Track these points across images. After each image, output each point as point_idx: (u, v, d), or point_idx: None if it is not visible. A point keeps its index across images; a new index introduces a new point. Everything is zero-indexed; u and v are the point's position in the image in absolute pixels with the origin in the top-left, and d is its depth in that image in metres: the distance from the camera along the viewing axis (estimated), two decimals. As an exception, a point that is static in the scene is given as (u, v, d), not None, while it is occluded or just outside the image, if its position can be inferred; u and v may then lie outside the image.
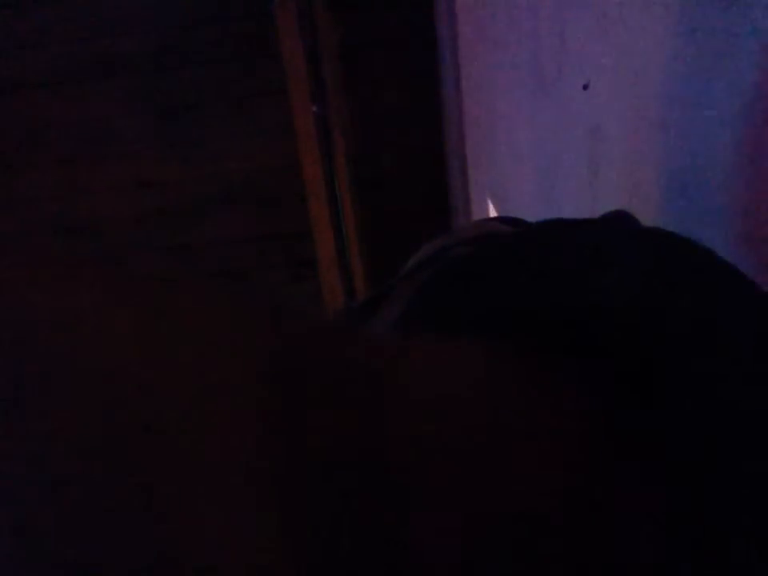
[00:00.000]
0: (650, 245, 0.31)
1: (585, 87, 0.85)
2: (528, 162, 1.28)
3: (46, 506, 0.12)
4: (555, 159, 1.07)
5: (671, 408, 0.22)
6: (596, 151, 0.87)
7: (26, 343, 0.12)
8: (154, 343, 0.14)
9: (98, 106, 2.35)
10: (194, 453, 0.13)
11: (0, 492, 0.12)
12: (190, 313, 0.15)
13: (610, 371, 0.23)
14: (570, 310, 0.26)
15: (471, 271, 0.35)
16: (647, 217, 0.72)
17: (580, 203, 0.97)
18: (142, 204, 2.47)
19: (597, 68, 0.82)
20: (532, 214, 1.25)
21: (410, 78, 2.35)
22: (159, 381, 0.13)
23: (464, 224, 2.00)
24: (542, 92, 1.08)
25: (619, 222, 0.49)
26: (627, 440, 0.21)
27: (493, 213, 1.72)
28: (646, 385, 0.22)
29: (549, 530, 0.19)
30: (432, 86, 2.35)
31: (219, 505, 0.13)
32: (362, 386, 0.17)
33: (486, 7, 1.46)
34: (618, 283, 0.26)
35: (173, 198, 2.47)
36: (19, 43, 2.27)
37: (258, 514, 0.13)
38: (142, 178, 2.44)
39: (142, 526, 0.12)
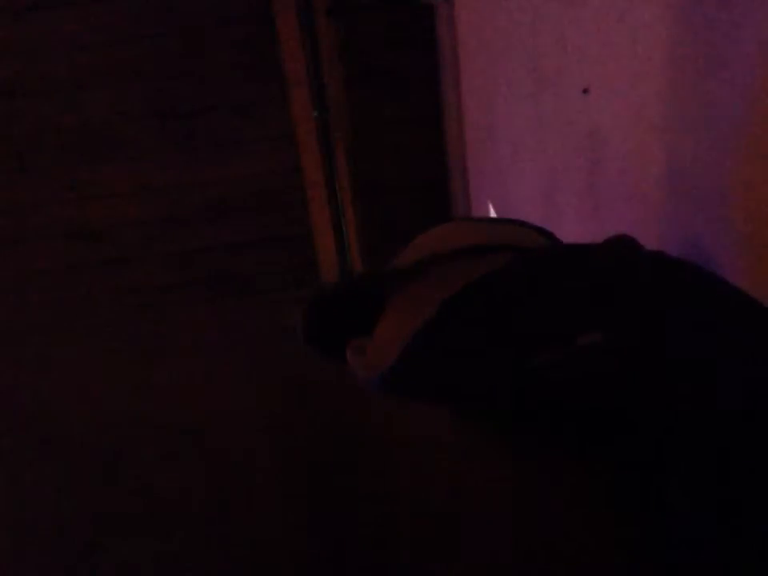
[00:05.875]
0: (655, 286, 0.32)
1: (585, 92, 0.85)
2: (528, 163, 1.28)
3: None
4: (555, 161, 1.07)
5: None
6: (596, 152, 0.87)
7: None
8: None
9: (101, 111, 2.35)
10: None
11: None
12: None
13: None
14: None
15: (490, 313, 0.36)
16: (647, 218, 0.72)
17: (580, 204, 0.97)
18: (144, 209, 2.47)
19: (597, 70, 0.82)
20: (532, 215, 1.25)
21: (410, 79, 2.35)
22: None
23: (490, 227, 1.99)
24: (542, 94, 1.08)
25: (622, 250, 0.49)
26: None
27: (493, 215, 1.72)
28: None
29: None
30: (432, 87, 2.35)
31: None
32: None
33: (486, 8, 1.47)
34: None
35: (175, 202, 2.48)
36: (21, 49, 2.27)
37: None
38: (144, 183, 2.45)
39: None
